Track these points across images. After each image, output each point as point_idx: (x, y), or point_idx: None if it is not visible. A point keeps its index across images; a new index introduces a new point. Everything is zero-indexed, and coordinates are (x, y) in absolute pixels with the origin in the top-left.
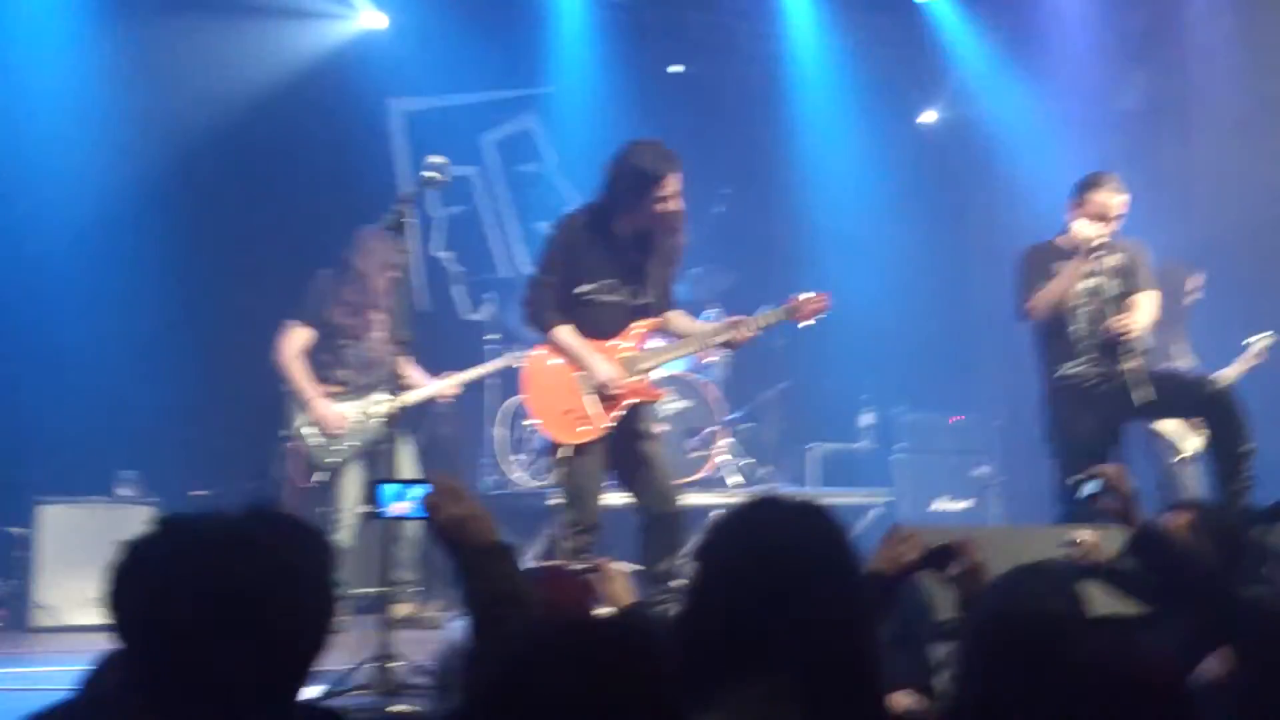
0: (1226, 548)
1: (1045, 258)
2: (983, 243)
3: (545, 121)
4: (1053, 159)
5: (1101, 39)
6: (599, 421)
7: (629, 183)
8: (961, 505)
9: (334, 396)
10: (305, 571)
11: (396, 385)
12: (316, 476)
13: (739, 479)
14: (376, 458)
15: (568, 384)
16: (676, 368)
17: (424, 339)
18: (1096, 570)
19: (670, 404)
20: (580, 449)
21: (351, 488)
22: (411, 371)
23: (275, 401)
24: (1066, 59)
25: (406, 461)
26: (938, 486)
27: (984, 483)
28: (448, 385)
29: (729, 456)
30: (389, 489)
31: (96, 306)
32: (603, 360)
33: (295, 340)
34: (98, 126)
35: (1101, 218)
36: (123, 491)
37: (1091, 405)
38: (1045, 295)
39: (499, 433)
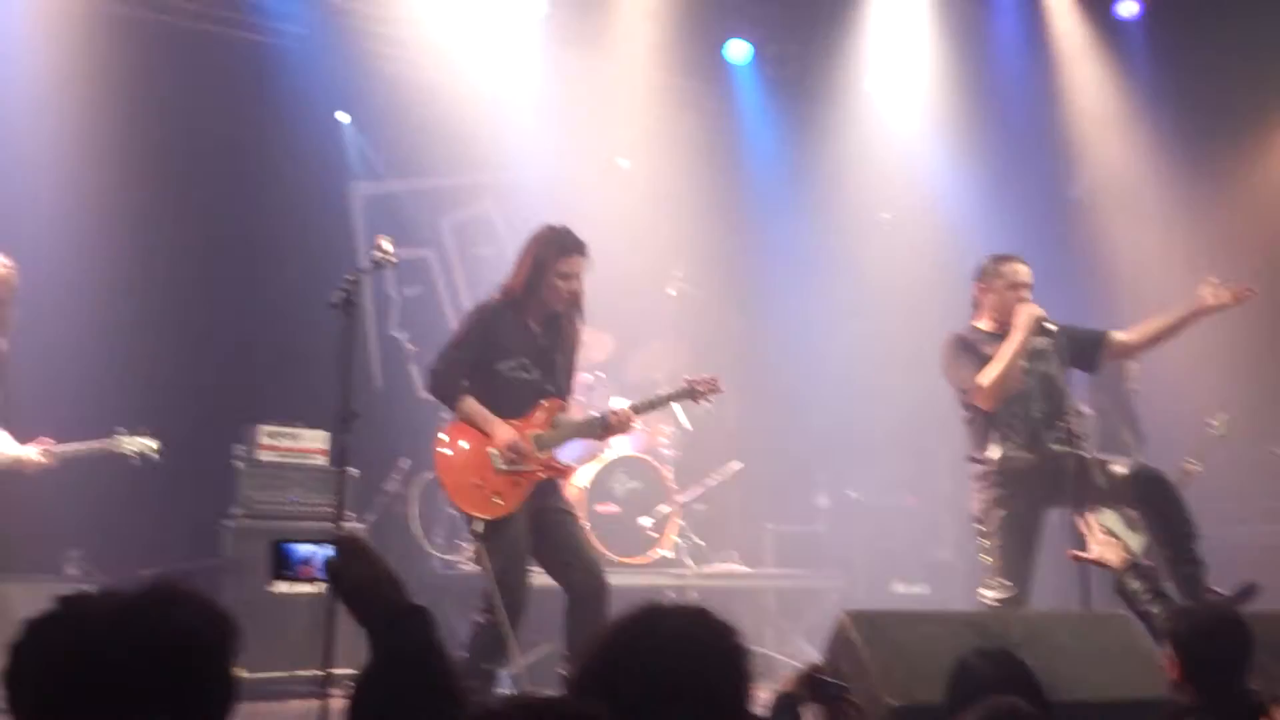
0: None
1: (974, 342)
2: (936, 329)
3: (503, 206)
4: (1002, 247)
5: (1048, 131)
6: (512, 495)
7: (536, 255)
8: (918, 589)
9: None
10: (201, 651)
11: None
12: None
13: (692, 561)
14: None
15: (479, 459)
16: (622, 449)
17: (378, 416)
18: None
19: (623, 484)
20: (499, 526)
21: None
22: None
23: (226, 477)
24: (1014, 151)
25: None
26: (895, 569)
27: (941, 567)
28: (34, 454)
29: (681, 538)
30: (296, 550)
31: (46, 376)
32: (505, 427)
33: None
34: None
35: (1014, 288)
36: (70, 571)
37: (1026, 488)
38: (994, 376)
39: (412, 511)
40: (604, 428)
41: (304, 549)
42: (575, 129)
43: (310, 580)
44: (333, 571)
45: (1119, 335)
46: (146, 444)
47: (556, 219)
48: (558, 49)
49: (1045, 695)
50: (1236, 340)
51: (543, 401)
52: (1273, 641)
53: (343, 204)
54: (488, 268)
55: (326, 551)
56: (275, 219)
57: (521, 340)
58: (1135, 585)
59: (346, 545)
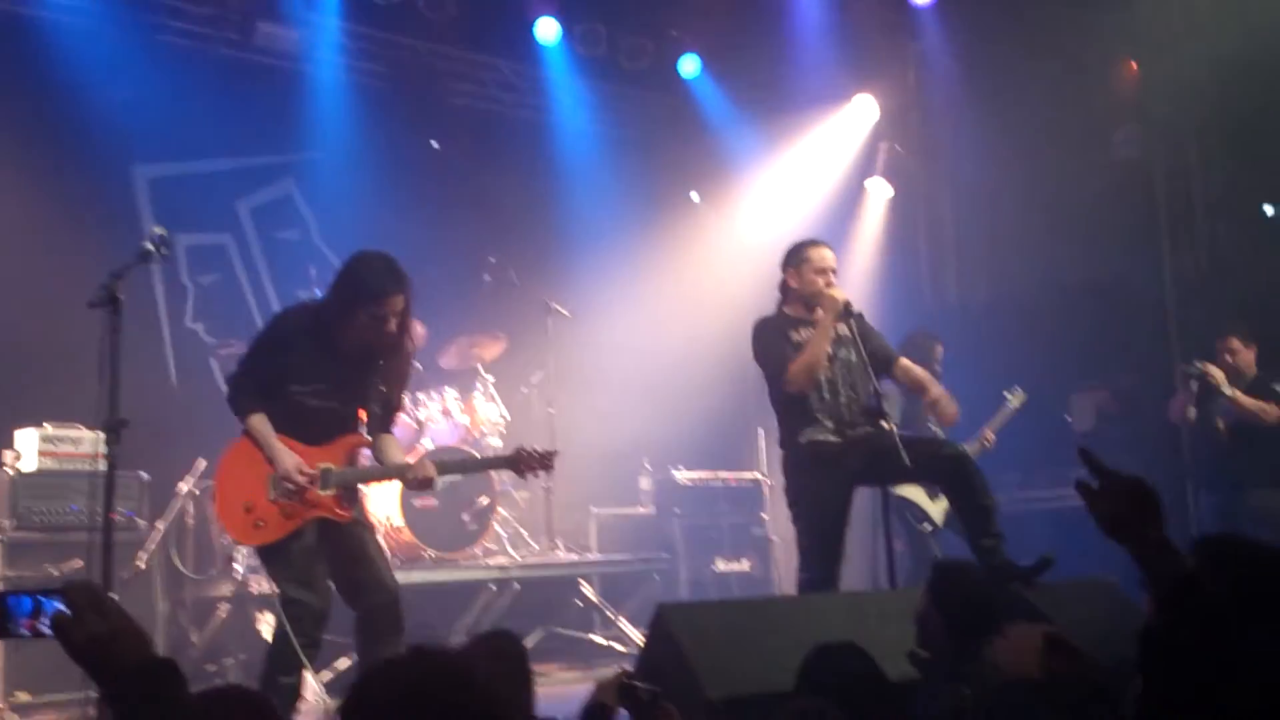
0: (964, 606)
1: (782, 326)
2: (749, 311)
3: (306, 187)
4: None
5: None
6: (277, 527)
7: (349, 292)
8: (741, 566)
9: None
10: None
11: None
12: None
13: (514, 551)
14: None
15: (257, 481)
16: (440, 439)
17: (174, 416)
18: None
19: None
20: (278, 545)
21: None
22: None
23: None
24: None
25: None
26: (718, 548)
27: (762, 543)
28: None
29: (503, 528)
30: (20, 603)
31: None
32: (288, 455)
33: None
34: None
35: (820, 273)
36: None
37: (833, 470)
38: (804, 362)
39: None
40: (402, 477)
41: (29, 600)
42: (381, 107)
43: (37, 635)
44: (60, 627)
45: (903, 363)
46: None
47: (363, 201)
48: (356, 22)
49: (889, 686)
50: (1032, 316)
51: (344, 433)
52: (1069, 610)
53: (126, 187)
54: (291, 251)
55: (54, 603)
56: (50, 204)
57: (323, 363)
58: None
59: (78, 596)
